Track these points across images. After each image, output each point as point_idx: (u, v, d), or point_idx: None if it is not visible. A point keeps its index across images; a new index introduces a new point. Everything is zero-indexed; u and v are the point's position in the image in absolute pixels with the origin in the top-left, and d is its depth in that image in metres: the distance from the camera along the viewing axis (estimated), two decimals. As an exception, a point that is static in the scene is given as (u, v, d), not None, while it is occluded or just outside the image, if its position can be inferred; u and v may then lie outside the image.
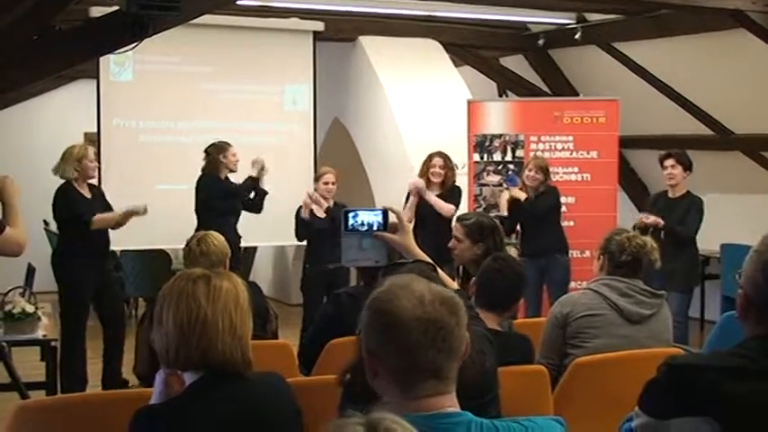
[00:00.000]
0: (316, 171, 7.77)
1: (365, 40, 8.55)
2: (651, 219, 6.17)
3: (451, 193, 6.67)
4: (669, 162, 6.34)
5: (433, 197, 6.62)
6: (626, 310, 3.56)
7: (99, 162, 6.54)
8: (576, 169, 7.37)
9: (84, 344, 6.02)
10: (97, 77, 7.76)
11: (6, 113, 10.99)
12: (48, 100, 11.33)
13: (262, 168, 6.91)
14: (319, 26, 8.35)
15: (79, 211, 5.92)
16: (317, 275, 6.67)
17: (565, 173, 7.32)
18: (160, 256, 8.77)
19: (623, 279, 3.61)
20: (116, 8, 5.35)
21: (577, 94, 9.18)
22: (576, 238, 6.79)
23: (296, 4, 8.13)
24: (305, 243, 6.97)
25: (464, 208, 6.82)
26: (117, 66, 7.73)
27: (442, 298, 1.66)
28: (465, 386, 1.71)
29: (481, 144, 7.43)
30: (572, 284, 6.50)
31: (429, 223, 6.46)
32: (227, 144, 6.85)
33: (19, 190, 3.56)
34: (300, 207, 6.82)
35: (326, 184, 6.81)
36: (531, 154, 7.15)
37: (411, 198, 6.69)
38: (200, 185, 6.80)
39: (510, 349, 3.12)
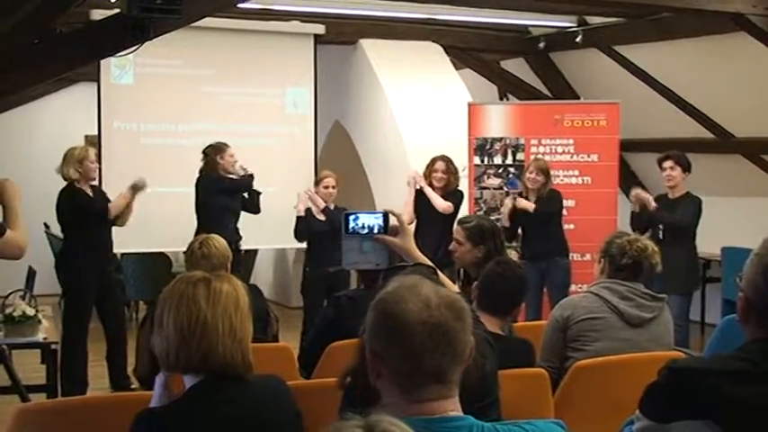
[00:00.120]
0: (316, 174, 7.79)
1: (366, 43, 8.56)
2: (650, 201, 6.30)
3: (452, 195, 6.69)
4: (668, 163, 6.35)
5: (429, 191, 6.65)
6: (627, 313, 3.56)
7: (99, 165, 6.55)
8: (576, 172, 7.37)
9: (86, 346, 6.03)
10: (98, 80, 7.77)
11: (7, 116, 11.00)
12: (48, 103, 11.33)
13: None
14: (320, 29, 8.36)
15: (92, 206, 5.97)
16: (318, 278, 6.68)
17: (565, 176, 7.32)
18: (161, 259, 8.77)
19: (624, 282, 3.61)
20: (117, 11, 5.35)
21: (578, 98, 9.17)
22: (576, 241, 6.79)
23: (297, 7, 8.14)
24: (305, 246, 6.98)
25: (464, 211, 6.82)
26: (118, 69, 7.74)
27: (448, 302, 1.66)
28: (466, 389, 1.70)
29: (482, 147, 7.43)
30: (572, 287, 6.50)
31: (429, 226, 6.47)
32: (225, 145, 6.88)
33: (19, 193, 3.55)
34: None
35: (327, 187, 6.83)
36: (532, 157, 7.15)
37: (408, 189, 6.73)
38: (199, 186, 6.83)
39: (511, 354, 3.12)
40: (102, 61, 7.39)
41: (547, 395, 3.31)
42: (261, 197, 7.16)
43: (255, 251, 9.37)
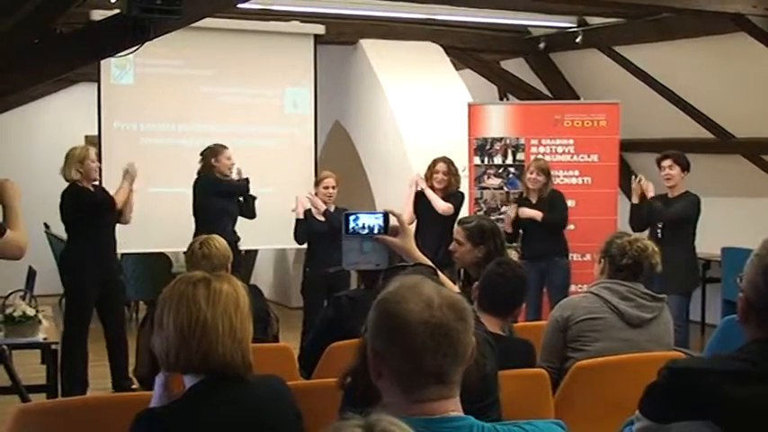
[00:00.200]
0: (316, 174, 7.78)
1: (366, 43, 8.56)
2: (651, 191, 6.34)
3: (453, 197, 6.69)
4: (666, 163, 6.35)
5: (429, 192, 6.66)
6: (627, 313, 3.55)
7: (100, 165, 6.55)
8: (576, 173, 7.37)
9: (87, 346, 6.04)
10: (98, 80, 7.77)
11: (7, 116, 11.00)
12: (48, 103, 11.33)
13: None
14: (320, 29, 8.36)
15: (97, 199, 5.99)
16: (318, 279, 6.68)
17: (565, 176, 7.32)
18: (160, 260, 8.78)
19: (624, 282, 3.61)
20: (117, 11, 5.35)
21: (578, 98, 9.17)
22: (576, 241, 6.78)
23: (297, 7, 8.13)
24: (305, 246, 6.98)
25: (465, 211, 6.81)
26: (118, 69, 7.74)
27: (450, 302, 1.66)
28: (466, 389, 1.70)
29: (482, 147, 7.43)
30: (572, 288, 6.50)
31: (429, 226, 6.47)
32: (222, 147, 6.86)
33: (19, 193, 3.55)
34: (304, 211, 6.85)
35: (326, 188, 6.82)
36: (532, 157, 7.15)
37: (408, 189, 6.74)
38: (196, 188, 6.84)
39: (512, 354, 3.12)
40: (102, 61, 7.39)
41: (547, 395, 3.31)
42: (260, 197, 7.16)
43: (255, 251, 9.37)
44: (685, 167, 6.34)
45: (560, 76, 9.44)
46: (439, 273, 2.35)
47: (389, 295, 1.67)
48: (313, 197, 6.83)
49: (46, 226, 9.68)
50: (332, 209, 6.77)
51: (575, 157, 7.38)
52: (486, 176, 7.42)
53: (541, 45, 8.93)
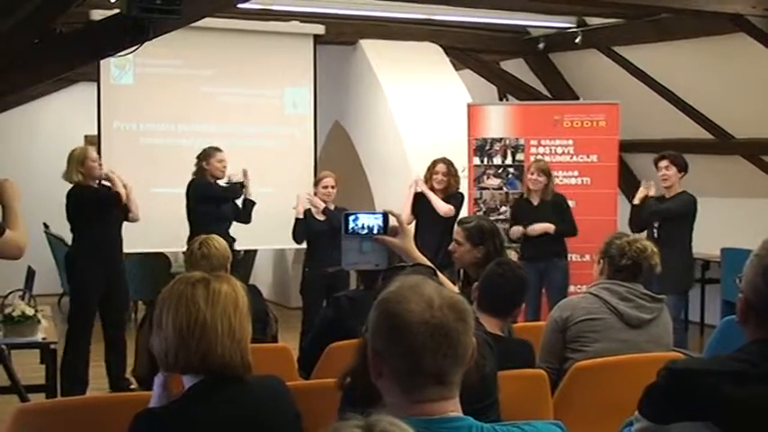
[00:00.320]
0: (316, 174, 7.77)
1: (366, 44, 8.56)
2: (653, 190, 6.34)
3: (453, 198, 6.69)
4: (663, 163, 6.36)
5: (430, 194, 6.66)
6: (626, 314, 3.55)
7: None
8: (576, 173, 7.37)
9: (89, 346, 6.04)
10: (98, 80, 7.77)
11: (6, 116, 11.00)
12: (48, 103, 11.33)
13: (245, 176, 6.94)
14: (320, 29, 8.36)
15: (102, 194, 5.97)
16: (317, 279, 6.67)
17: (565, 176, 7.32)
18: (160, 260, 8.77)
19: (623, 283, 3.61)
20: (117, 11, 5.35)
21: (578, 98, 9.18)
22: (575, 241, 6.77)
23: (296, 7, 8.13)
24: (305, 246, 6.97)
25: (464, 212, 6.82)
26: (117, 69, 7.74)
27: (450, 303, 1.66)
28: (465, 390, 1.70)
29: (481, 148, 7.43)
30: (571, 288, 6.50)
31: (429, 227, 6.47)
32: (214, 150, 6.80)
33: (19, 193, 3.55)
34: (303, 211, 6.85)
35: (326, 188, 6.82)
36: (532, 158, 7.15)
37: (407, 190, 6.73)
38: (188, 191, 6.81)
39: (511, 355, 3.12)
40: (102, 61, 7.39)
41: (546, 396, 3.31)
42: (259, 197, 7.15)
43: (255, 252, 9.37)
44: (682, 168, 6.35)
45: (560, 76, 9.44)
46: (438, 273, 2.35)
47: (390, 295, 1.68)
48: (312, 197, 6.83)
49: (45, 226, 9.67)
50: (331, 207, 6.77)
51: (574, 158, 7.38)
52: (485, 177, 7.42)
53: (541, 45, 8.93)
